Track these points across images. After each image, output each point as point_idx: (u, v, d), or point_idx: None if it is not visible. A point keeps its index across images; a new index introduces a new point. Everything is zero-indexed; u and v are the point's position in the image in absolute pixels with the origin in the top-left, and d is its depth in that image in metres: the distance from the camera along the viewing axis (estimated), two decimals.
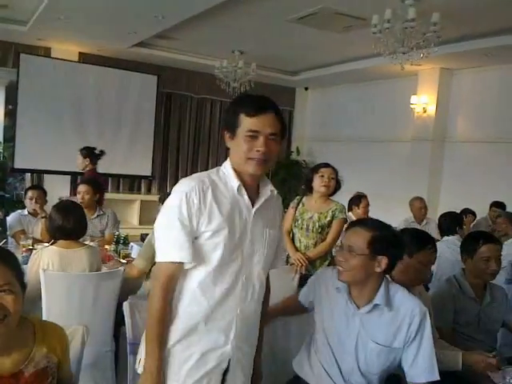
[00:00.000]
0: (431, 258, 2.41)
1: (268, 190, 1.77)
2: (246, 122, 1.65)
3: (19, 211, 4.52)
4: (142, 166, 8.35)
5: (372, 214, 5.86)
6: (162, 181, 8.92)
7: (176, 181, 2.22)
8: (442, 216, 4.63)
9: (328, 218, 3.58)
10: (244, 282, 1.74)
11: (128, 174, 8.50)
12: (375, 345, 1.99)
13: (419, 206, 5.88)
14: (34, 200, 4.38)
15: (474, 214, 6.17)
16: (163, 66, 8.53)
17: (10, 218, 4.44)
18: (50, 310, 2.86)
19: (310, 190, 3.67)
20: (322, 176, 3.58)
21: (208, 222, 1.65)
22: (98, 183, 4.66)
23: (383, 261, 1.96)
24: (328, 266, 3.55)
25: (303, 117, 10.20)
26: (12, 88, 7.80)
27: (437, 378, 1.94)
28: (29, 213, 4.42)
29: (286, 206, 4.07)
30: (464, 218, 5.51)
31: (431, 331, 1.99)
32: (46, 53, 7.87)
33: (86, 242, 3.89)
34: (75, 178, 7.25)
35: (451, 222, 4.45)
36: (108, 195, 7.69)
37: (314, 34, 6.70)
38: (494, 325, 2.77)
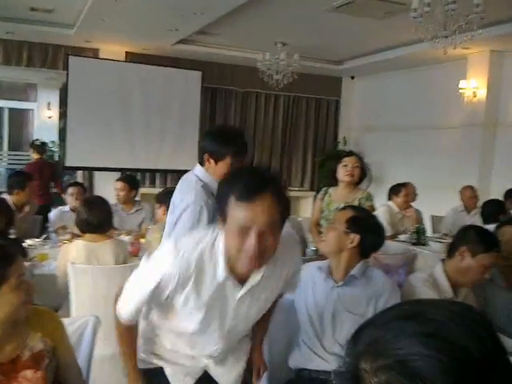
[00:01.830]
0: (494, 262, 2.32)
1: (258, 276, 1.60)
2: (237, 212, 1.46)
3: (60, 207, 4.72)
4: (189, 161, 8.40)
5: (422, 203, 5.72)
6: None
7: None
8: (484, 203, 4.49)
9: None
10: (222, 338, 1.74)
11: (175, 169, 8.64)
12: (349, 314, 2.17)
13: (470, 196, 5.70)
14: (74, 196, 4.55)
15: None
16: (207, 62, 8.59)
17: (52, 215, 4.63)
18: (78, 302, 2.97)
19: (335, 180, 3.63)
20: (346, 165, 3.54)
21: (183, 303, 1.64)
22: (135, 180, 4.79)
23: (355, 239, 2.18)
24: None
25: (350, 106, 10.01)
26: (65, 90, 8.09)
27: None
28: (70, 209, 4.60)
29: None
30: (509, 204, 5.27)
31: None
32: (95, 54, 8.09)
33: (122, 236, 4.04)
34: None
35: (494, 210, 4.29)
36: (156, 190, 7.90)
37: (354, 21, 6.57)
38: None
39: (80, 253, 3.06)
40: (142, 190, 8.04)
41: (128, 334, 1.78)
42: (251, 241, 1.45)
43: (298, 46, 7.61)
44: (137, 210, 4.64)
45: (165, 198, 3.69)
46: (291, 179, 9.76)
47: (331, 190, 3.70)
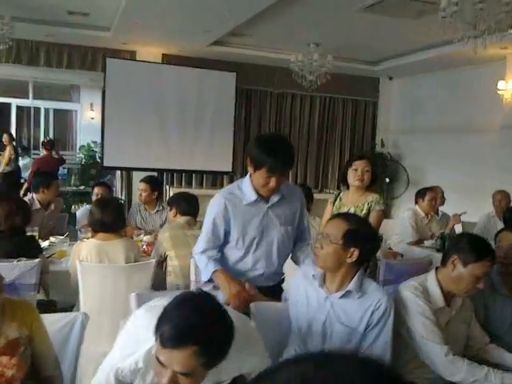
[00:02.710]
0: (487, 271, 2.23)
1: None
2: (157, 348, 1.44)
3: (87, 206, 4.86)
4: (223, 162, 8.54)
5: (460, 208, 5.58)
6: (242, 176, 8.97)
7: None
8: (508, 208, 4.34)
9: (364, 211, 3.45)
10: None
11: (210, 170, 8.74)
12: (341, 326, 2.15)
13: (499, 199, 5.55)
14: (99, 196, 4.67)
15: None
16: (241, 63, 8.63)
17: (78, 213, 4.79)
18: (86, 298, 3.06)
19: (345, 184, 3.59)
20: (356, 170, 3.47)
21: None
22: (158, 181, 4.90)
23: (355, 253, 2.11)
24: None
25: (388, 108, 9.83)
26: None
27: None
28: None
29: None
30: None
31: (391, 328, 2.12)
32: (132, 56, 8.27)
33: (141, 236, 4.13)
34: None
35: None
36: (193, 191, 8.03)
37: (387, 21, 6.48)
38: None
39: (91, 251, 3.16)
40: (178, 191, 8.17)
41: None
42: (164, 379, 1.42)
43: (331, 47, 7.54)
44: (158, 211, 4.74)
45: (175, 201, 3.77)
46: (328, 181, 9.69)
47: (342, 193, 3.66)
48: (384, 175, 9.13)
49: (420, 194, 5.23)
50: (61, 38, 7.67)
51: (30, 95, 10.45)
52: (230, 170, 8.61)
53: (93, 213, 3.25)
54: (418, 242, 4.98)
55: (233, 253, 2.59)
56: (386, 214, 8.94)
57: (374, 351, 2.10)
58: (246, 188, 2.54)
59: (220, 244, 2.58)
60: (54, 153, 8.73)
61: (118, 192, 8.65)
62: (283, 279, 2.71)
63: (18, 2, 6.30)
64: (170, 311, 1.46)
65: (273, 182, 2.42)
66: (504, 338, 2.49)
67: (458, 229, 5.64)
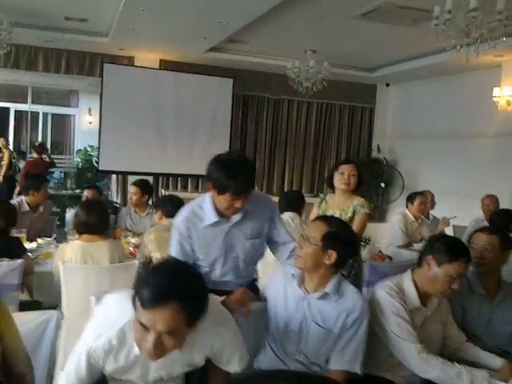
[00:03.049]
0: (461, 272, 2.24)
1: None
2: (139, 312, 1.49)
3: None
4: None
5: (452, 213, 5.60)
6: None
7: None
8: (495, 213, 4.38)
9: (349, 214, 3.48)
10: None
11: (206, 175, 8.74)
12: (317, 326, 2.18)
13: (488, 204, 5.60)
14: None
15: None
16: (239, 69, 8.71)
17: (68, 215, 4.81)
18: (69, 299, 3.08)
19: (331, 187, 3.61)
20: (342, 173, 3.49)
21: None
22: (148, 185, 4.91)
23: (333, 255, 2.13)
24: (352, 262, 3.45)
25: (385, 114, 9.89)
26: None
27: (356, 371, 2.11)
28: None
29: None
30: None
31: (366, 331, 2.16)
32: (130, 62, 8.33)
33: (129, 238, 4.16)
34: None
35: (503, 220, 4.16)
36: (189, 195, 8.06)
37: (383, 29, 6.51)
38: (506, 326, 2.55)
39: (76, 252, 3.17)
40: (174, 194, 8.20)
41: None
42: (148, 342, 1.48)
43: (328, 54, 7.58)
44: (147, 214, 4.75)
45: (161, 204, 3.79)
46: (323, 187, 9.69)
47: (328, 196, 3.69)
48: (380, 180, 9.17)
49: (410, 198, 5.25)
50: (59, 44, 7.75)
51: (29, 100, 10.56)
52: None
53: (78, 215, 3.27)
54: (408, 246, 5.00)
55: (201, 267, 2.51)
56: (380, 217, 9.08)
57: (348, 351, 2.13)
58: (208, 208, 2.41)
59: (191, 259, 2.49)
60: (45, 156, 8.81)
61: (114, 196, 8.69)
62: (255, 278, 2.70)
63: (16, 7, 6.36)
64: (146, 277, 1.52)
65: (237, 204, 2.30)
66: (481, 338, 2.51)
67: (449, 233, 5.65)
